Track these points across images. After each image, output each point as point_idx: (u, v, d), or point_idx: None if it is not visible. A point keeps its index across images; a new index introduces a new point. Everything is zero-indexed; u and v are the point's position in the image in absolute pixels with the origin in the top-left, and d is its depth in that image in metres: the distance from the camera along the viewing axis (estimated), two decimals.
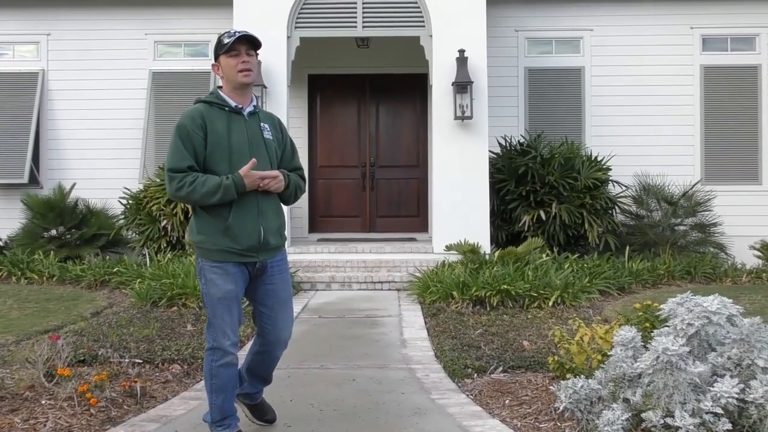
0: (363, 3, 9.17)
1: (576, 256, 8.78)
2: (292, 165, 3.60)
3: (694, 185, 10.07)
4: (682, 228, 9.93)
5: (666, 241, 9.57)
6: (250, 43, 3.37)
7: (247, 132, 3.40)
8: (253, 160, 3.28)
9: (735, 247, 9.87)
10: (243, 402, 3.73)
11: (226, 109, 3.39)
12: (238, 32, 3.36)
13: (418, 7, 9.16)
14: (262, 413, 3.78)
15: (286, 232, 3.63)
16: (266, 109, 8.93)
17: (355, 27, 9.25)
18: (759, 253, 9.69)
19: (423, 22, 9.17)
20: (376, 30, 9.28)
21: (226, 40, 3.33)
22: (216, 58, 3.42)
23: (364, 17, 9.18)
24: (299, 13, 9.21)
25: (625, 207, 10.00)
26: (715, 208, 9.95)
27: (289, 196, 3.52)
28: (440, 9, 9.10)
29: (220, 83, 3.49)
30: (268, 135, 3.47)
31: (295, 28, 9.19)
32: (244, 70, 3.35)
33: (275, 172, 3.38)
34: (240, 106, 3.41)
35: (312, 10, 9.23)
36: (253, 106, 3.48)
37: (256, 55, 3.43)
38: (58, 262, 9.09)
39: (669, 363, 3.24)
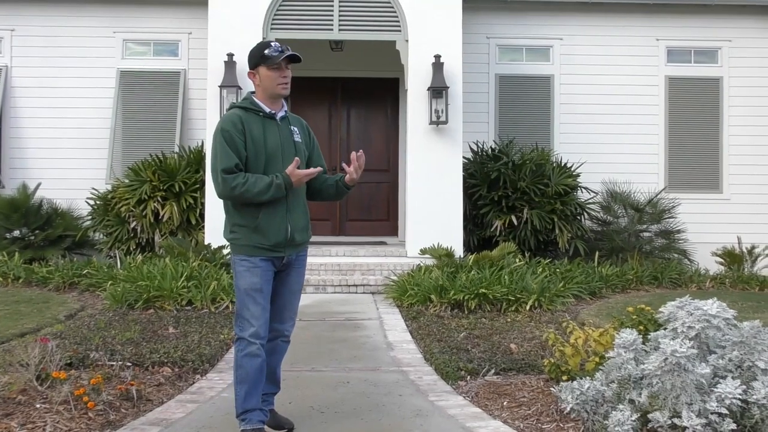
0: (340, 6, 9.17)
1: (547, 261, 8.91)
2: (320, 165, 3.77)
3: (659, 193, 10.31)
4: (647, 234, 10.17)
5: (632, 247, 9.78)
6: (293, 60, 3.56)
7: (279, 136, 3.58)
8: (297, 159, 3.46)
9: (698, 253, 10.14)
10: None
11: (261, 114, 3.57)
12: (283, 48, 3.52)
13: (395, 12, 9.20)
14: (274, 422, 3.78)
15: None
16: None
17: (332, 30, 9.24)
18: (721, 260, 9.99)
19: (399, 26, 9.21)
20: (353, 33, 9.28)
21: (272, 55, 3.49)
22: (254, 66, 3.57)
23: (340, 20, 9.18)
24: (275, 15, 9.16)
25: (593, 213, 10.19)
26: (679, 215, 10.20)
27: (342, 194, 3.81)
28: (416, 14, 9.16)
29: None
30: (297, 138, 3.66)
31: (271, 29, 9.14)
32: (283, 84, 3.55)
33: (316, 170, 3.56)
34: (273, 111, 3.59)
35: (288, 11, 9.19)
36: (284, 111, 3.65)
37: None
38: (23, 264, 8.86)
39: (677, 365, 3.33)
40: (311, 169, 3.53)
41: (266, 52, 3.50)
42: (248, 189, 3.41)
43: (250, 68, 3.59)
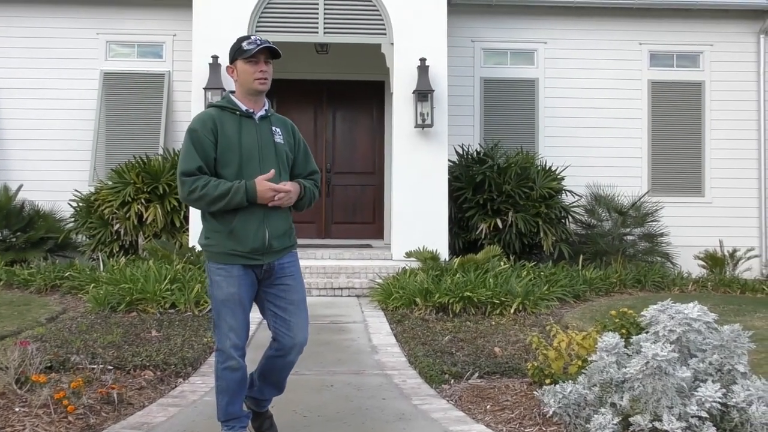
0: (325, 9, 9.16)
1: (532, 264, 8.93)
2: (307, 169, 3.62)
3: (642, 196, 10.36)
4: (630, 238, 10.22)
5: (616, 251, 9.83)
6: (271, 53, 3.41)
7: (257, 135, 3.42)
8: (272, 171, 3.30)
9: (681, 256, 10.21)
10: (248, 406, 3.64)
11: (237, 113, 3.43)
12: (260, 41, 3.39)
13: (380, 15, 9.21)
14: (262, 425, 3.68)
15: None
16: None
17: (317, 33, 9.23)
18: (703, 263, 10.06)
19: (384, 29, 9.22)
20: (338, 36, 9.28)
21: (248, 47, 3.36)
22: (232, 61, 3.45)
23: (325, 23, 9.17)
24: (260, 17, 9.14)
25: (578, 216, 10.23)
26: (662, 218, 10.26)
27: (302, 206, 3.55)
28: (402, 18, 9.17)
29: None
30: (279, 139, 3.48)
31: (256, 31, 9.10)
32: (260, 79, 3.40)
33: (288, 187, 3.36)
34: (251, 110, 3.44)
35: (273, 14, 9.17)
36: (265, 110, 3.50)
37: (272, 63, 3.47)
38: (4, 266, 8.78)
39: (658, 368, 3.34)
40: (280, 185, 3.31)
41: (243, 44, 3.38)
42: (207, 193, 3.25)
43: (229, 63, 3.46)
